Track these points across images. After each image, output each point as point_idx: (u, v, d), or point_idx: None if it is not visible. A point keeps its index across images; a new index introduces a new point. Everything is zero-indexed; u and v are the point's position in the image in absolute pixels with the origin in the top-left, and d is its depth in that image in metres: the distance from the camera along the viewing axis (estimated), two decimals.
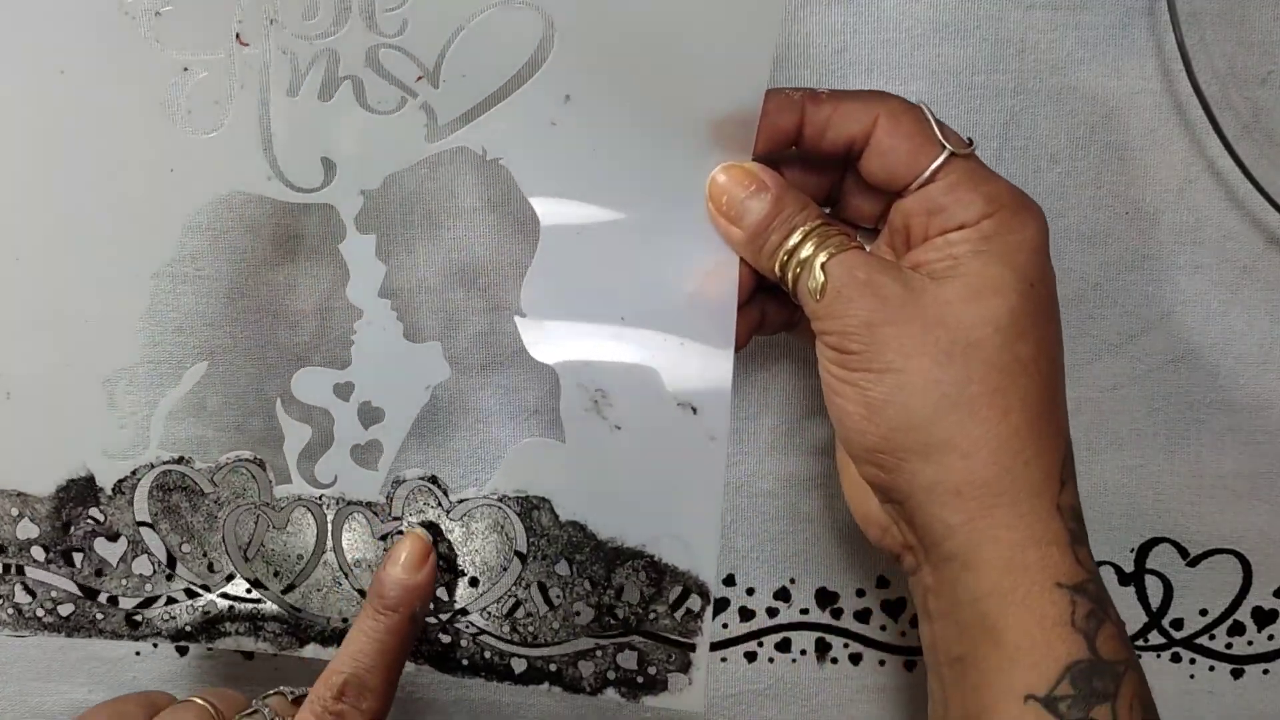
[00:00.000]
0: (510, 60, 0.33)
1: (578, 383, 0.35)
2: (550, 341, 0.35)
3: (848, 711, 0.45)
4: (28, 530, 0.36)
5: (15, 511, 0.36)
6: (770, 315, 0.38)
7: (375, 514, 0.36)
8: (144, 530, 0.36)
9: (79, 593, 0.36)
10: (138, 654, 0.43)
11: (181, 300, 0.35)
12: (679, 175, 0.34)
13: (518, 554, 0.36)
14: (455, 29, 0.33)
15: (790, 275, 0.34)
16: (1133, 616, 0.44)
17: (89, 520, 0.36)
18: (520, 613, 0.36)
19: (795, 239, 0.34)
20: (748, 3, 0.33)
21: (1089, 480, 0.43)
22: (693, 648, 0.36)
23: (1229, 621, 0.45)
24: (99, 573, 0.36)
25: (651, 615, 0.36)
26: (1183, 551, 0.44)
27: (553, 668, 0.36)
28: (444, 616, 0.36)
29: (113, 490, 0.36)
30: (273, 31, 0.33)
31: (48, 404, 0.35)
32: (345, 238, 0.35)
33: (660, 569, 0.35)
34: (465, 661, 0.37)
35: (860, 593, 0.44)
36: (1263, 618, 0.45)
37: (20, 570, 0.36)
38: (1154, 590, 0.44)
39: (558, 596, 0.36)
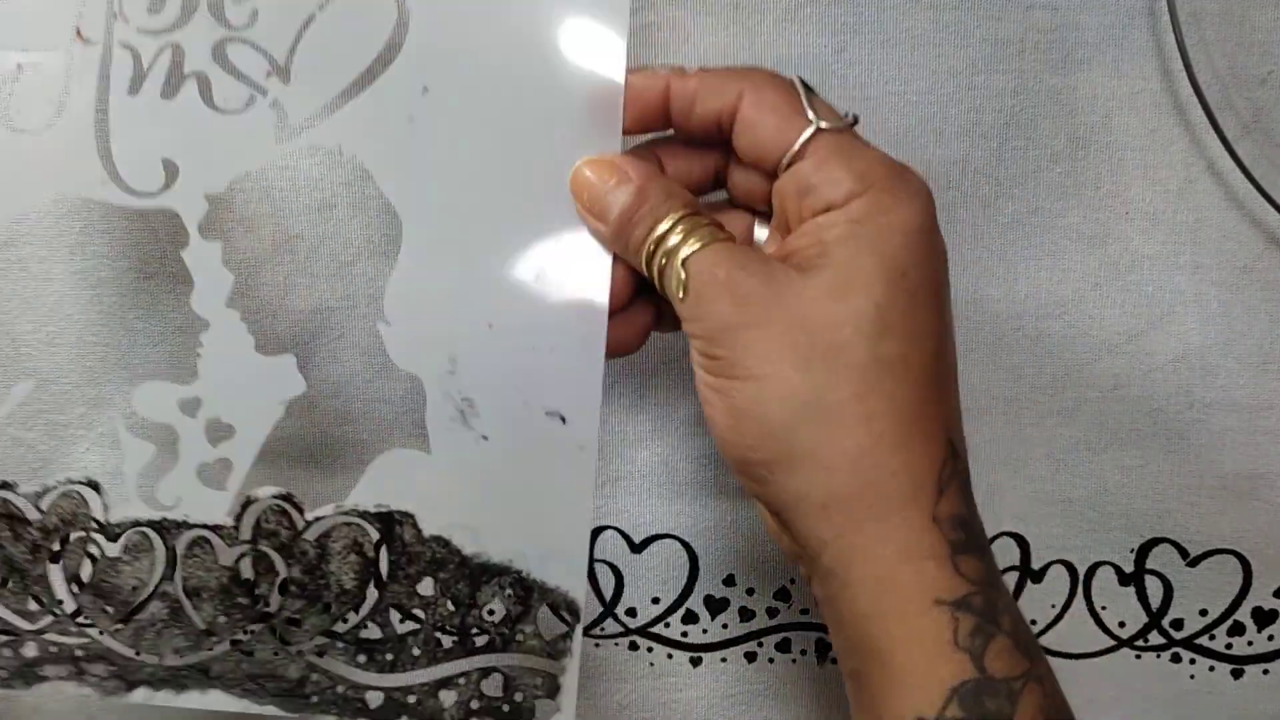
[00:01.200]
0: (364, 51, 0.32)
1: (443, 391, 0.33)
2: (414, 349, 0.33)
3: (848, 712, 0.45)
4: None
5: None
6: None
7: (222, 538, 0.33)
8: None
9: None
10: None
11: (6, 312, 0.33)
12: (546, 169, 0.32)
13: (376, 575, 0.34)
14: (306, 18, 0.32)
15: (657, 271, 0.31)
16: (1133, 617, 0.44)
17: None
18: (378, 637, 0.34)
19: (661, 229, 0.31)
20: None
21: (1089, 480, 0.43)
22: (562, 670, 0.34)
23: (1229, 622, 0.45)
24: None
25: (518, 636, 0.33)
26: (1183, 552, 0.44)
27: (411, 699, 0.34)
28: (293, 648, 0.34)
29: None
30: (116, 26, 0.31)
31: None
32: (188, 244, 0.33)
33: (528, 586, 0.33)
34: (315, 699, 0.34)
35: None
36: (1263, 618, 0.45)
37: None
38: (1154, 590, 0.44)
39: (419, 619, 0.34)
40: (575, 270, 0.33)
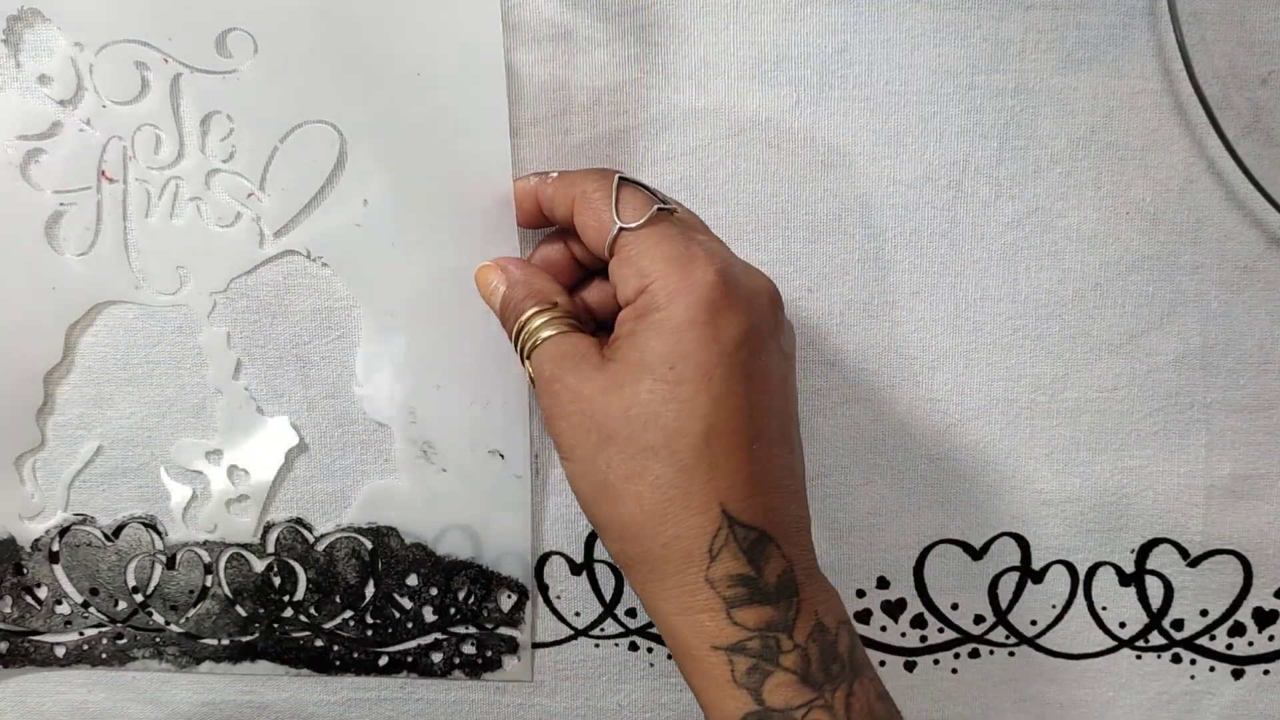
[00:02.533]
0: (318, 172, 0.40)
1: (408, 437, 0.42)
2: (383, 404, 0.42)
3: None
4: None
5: None
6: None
7: (252, 553, 0.43)
8: (61, 578, 0.43)
9: (12, 631, 0.43)
10: None
11: (71, 392, 0.42)
12: (466, 262, 0.40)
13: (373, 574, 0.43)
14: (272, 149, 0.40)
15: (525, 360, 0.37)
16: (1133, 617, 0.44)
17: (15, 573, 0.43)
18: (379, 618, 0.43)
19: (520, 322, 0.37)
20: (479, 108, 0.39)
21: (1089, 480, 0.43)
22: (519, 633, 0.43)
23: (1229, 622, 0.45)
24: (27, 615, 0.43)
25: (485, 612, 0.43)
26: (1183, 552, 0.44)
27: (409, 659, 0.44)
28: (316, 628, 0.43)
29: (31, 548, 0.43)
30: (130, 166, 0.40)
31: None
32: (202, 332, 0.42)
33: (488, 576, 0.43)
34: (338, 662, 0.44)
35: (860, 593, 0.44)
36: (1263, 618, 0.44)
37: None
38: (1154, 591, 0.44)
39: (409, 603, 0.43)
40: (497, 341, 0.40)
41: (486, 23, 0.39)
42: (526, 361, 0.37)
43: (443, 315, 0.41)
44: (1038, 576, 0.44)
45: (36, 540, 0.43)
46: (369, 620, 0.43)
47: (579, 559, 0.44)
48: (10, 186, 0.40)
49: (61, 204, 0.40)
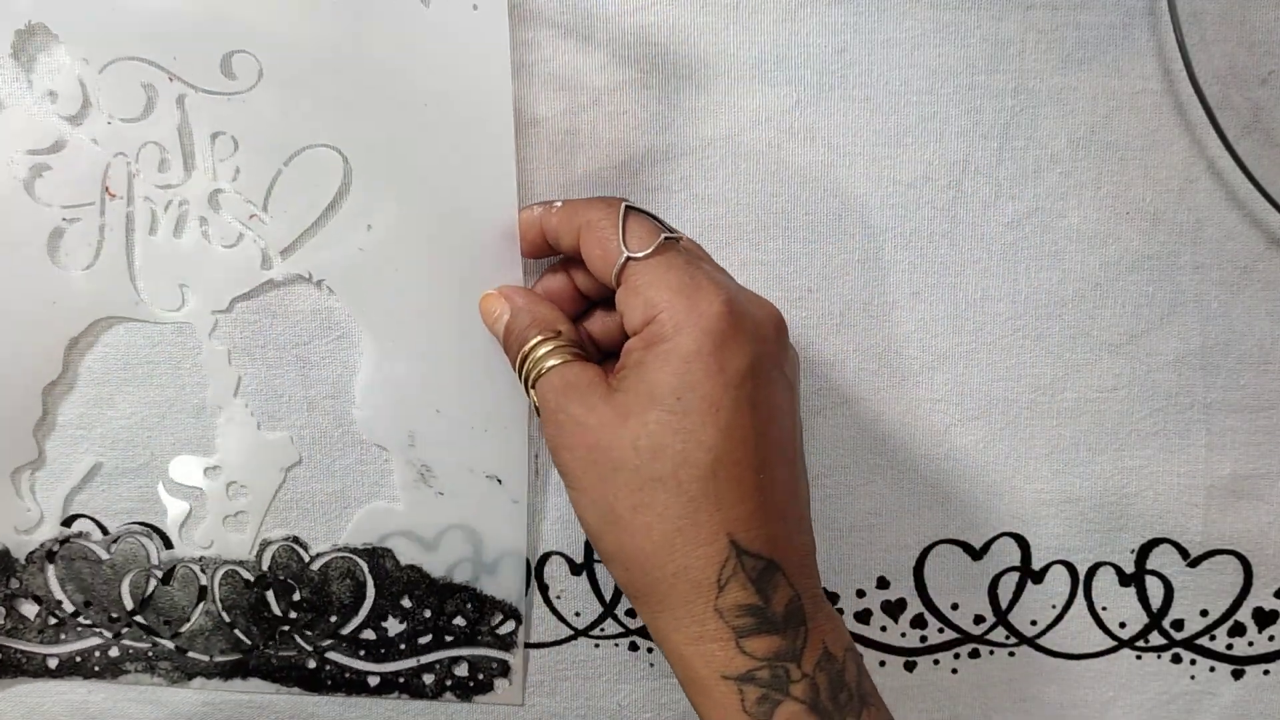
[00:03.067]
0: (321, 195, 0.41)
1: (406, 460, 0.42)
2: (382, 428, 0.42)
3: None
4: None
5: None
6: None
7: (247, 570, 0.43)
8: (55, 591, 0.43)
9: (5, 643, 0.43)
10: None
11: (70, 407, 0.42)
12: (470, 289, 0.40)
13: (368, 593, 0.43)
14: (276, 172, 0.40)
15: (529, 388, 0.37)
16: (1133, 617, 0.44)
17: (8, 585, 0.43)
18: (372, 637, 0.43)
19: (525, 350, 0.37)
20: (485, 139, 0.40)
21: (1090, 480, 0.44)
22: (511, 657, 0.43)
23: (1230, 622, 0.45)
24: (20, 626, 0.43)
25: (478, 635, 0.43)
26: (1183, 552, 0.44)
27: (401, 679, 0.43)
28: (309, 647, 0.43)
29: (25, 560, 0.43)
30: (135, 183, 0.40)
31: None
32: (202, 350, 0.42)
33: (482, 599, 0.43)
34: (329, 681, 0.44)
35: (860, 593, 0.44)
36: (1263, 618, 0.44)
37: None
38: (1154, 591, 0.44)
39: (403, 623, 0.43)
40: (498, 368, 0.41)
41: (495, 57, 0.39)
42: (531, 390, 0.37)
43: (444, 341, 0.41)
44: (1038, 576, 0.44)
45: (31, 553, 0.43)
46: (362, 639, 0.43)
47: (579, 559, 0.44)
48: (15, 201, 0.40)
49: (65, 219, 0.40)
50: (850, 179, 0.42)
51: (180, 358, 0.42)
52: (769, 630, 0.33)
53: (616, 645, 0.44)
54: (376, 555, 0.43)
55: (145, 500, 0.42)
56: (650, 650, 0.44)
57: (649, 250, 0.35)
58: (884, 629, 0.44)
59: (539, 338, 0.37)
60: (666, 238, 0.35)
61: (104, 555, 0.43)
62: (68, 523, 0.42)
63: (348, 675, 0.43)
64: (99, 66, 0.39)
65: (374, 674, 0.43)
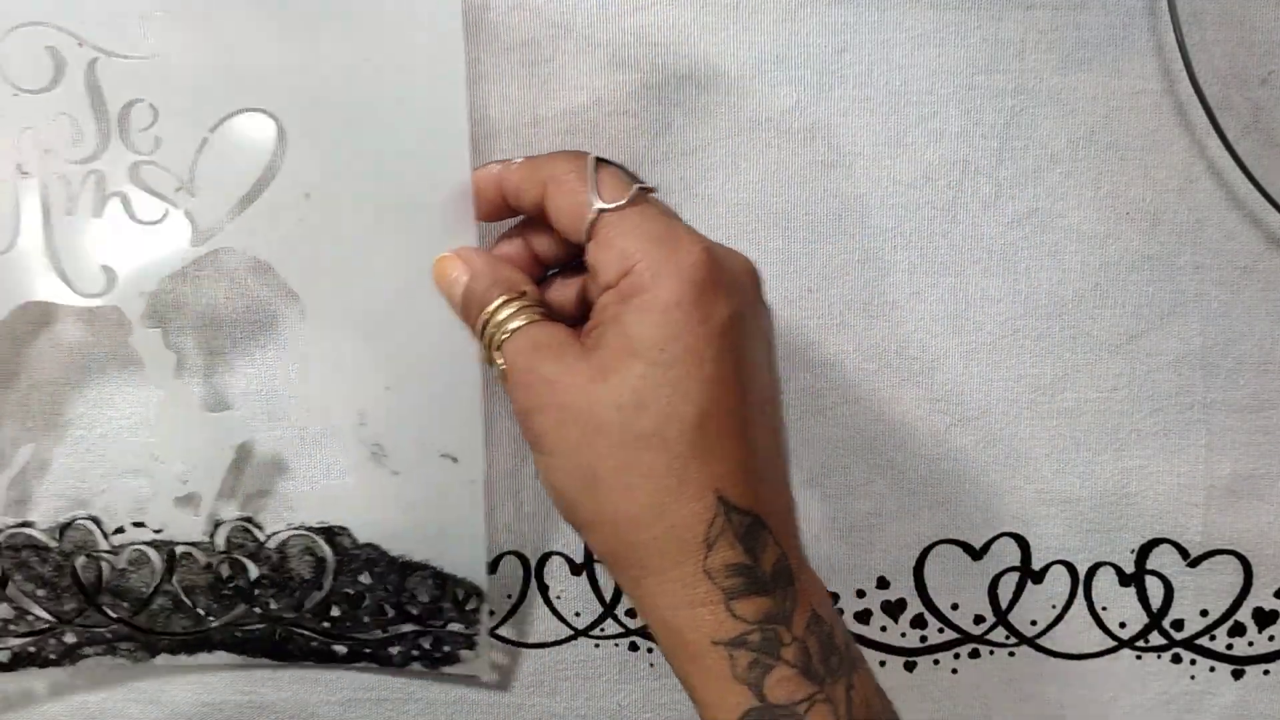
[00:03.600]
0: (253, 163, 0.38)
1: (358, 439, 0.40)
2: (331, 406, 0.41)
3: None
4: None
5: None
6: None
7: (201, 550, 0.41)
8: (2, 582, 0.41)
9: None
10: None
11: (2, 395, 0.41)
12: (419, 257, 0.38)
13: (329, 568, 0.42)
14: (201, 140, 0.38)
15: (493, 350, 0.36)
16: (1133, 617, 0.44)
17: None
18: (336, 612, 0.42)
19: (487, 312, 0.35)
20: (435, 95, 0.37)
21: (1089, 481, 0.43)
22: (475, 631, 0.43)
23: (1230, 622, 0.45)
24: None
25: (440, 609, 0.42)
26: (1183, 552, 0.44)
27: (368, 650, 0.43)
28: (272, 620, 0.42)
29: None
30: (47, 160, 0.38)
31: None
32: (133, 333, 0.40)
33: (443, 577, 0.42)
34: (296, 652, 0.43)
35: (860, 593, 0.44)
36: (1263, 618, 0.44)
37: None
38: (1154, 591, 0.44)
39: (365, 599, 0.42)
40: (452, 341, 0.38)
41: (445, 2, 0.37)
42: (496, 354, 0.35)
43: (391, 313, 0.39)
44: (1038, 576, 0.44)
45: None
46: (327, 614, 0.42)
47: (579, 559, 0.44)
48: None
49: None
50: (850, 179, 0.42)
51: (113, 342, 0.40)
52: (758, 591, 0.32)
53: (617, 645, 0.44)
54: (333, 533, 0.41)
55: (95, 487, 0.41)
56: (650, 650, 0.44)
57: (623, 201, 0.34)
58: (884, 629, 0.44)
59: (502, 299, 0.36)
60: (639, 188, 0.34)
61: (51, 543, 0.41)
62: (14, 514, 0.41)
63: (314, 644, 0.42)
64: (0, 33, 0.36)
65: (340, 643, 0.42)
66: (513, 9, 0.41)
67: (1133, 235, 0.43)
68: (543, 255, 0.38)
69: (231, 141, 0.38)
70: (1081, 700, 0.45)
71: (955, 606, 0.44)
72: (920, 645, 0.44)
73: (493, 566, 0.43)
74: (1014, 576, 0.44)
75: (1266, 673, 0.45)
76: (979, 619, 0.44)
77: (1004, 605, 0.44)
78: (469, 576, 0.42)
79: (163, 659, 0.42)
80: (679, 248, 0.33)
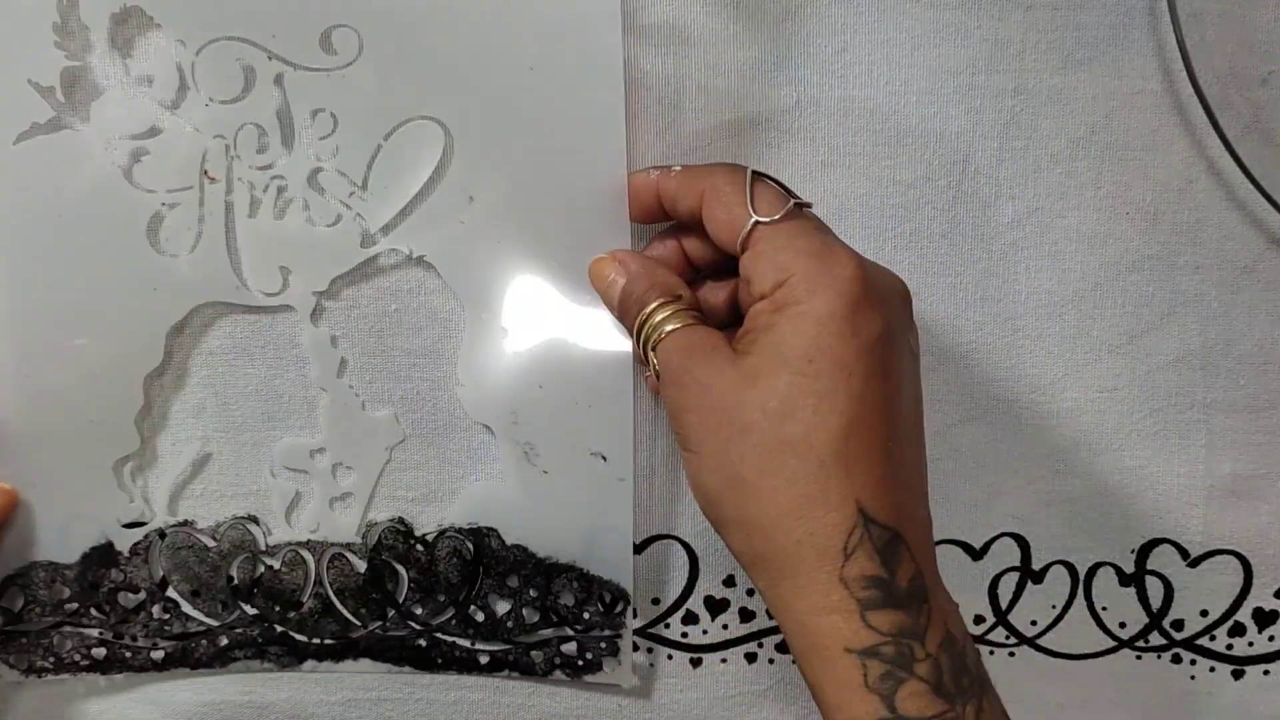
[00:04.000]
0: (422, 169, 0.40)
1: (510, 438, 0.42)
2: (486, 406, 0.42)
3: None
4: (60, 592, 0.42)
5: (49, 578, 0.42)
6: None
7: (354, 553, 0.42)
8: (160, 582, 0.42)
9: (110, 638, 0.42)
10: None
11: (172, 394, 0.42)
12: (575, 257, 0.40)
13: (475, 572, 0.42)
14: (375, 148, 0.40)
15: (650, 351, 0.37)
16: (1133, 617, 0.44)
17: (111, 579, 0.42)
18: (481, 617, 0.43)
19: (643, 315, 0.37)
20: (596, 104, 0.39)
21: (1090, 480, 0.43)
22: (620, 636, 0.43)
23: (1230, 622, 0.45)
24: (124, 620, 0.42)
25: (585, 614, 0.43)
26: (1183, 552, 0.44)
27: (510, 658, 0.43)
28: (418, 627, 0.43)
29: (130, 553, 0.42)
30: (233, 165, 0.40)
31: (67, 488, 0.42)
32: (305, 332, 0.41)
33: (589, 579, 0.42)
34: (440, 660, 0.43)
35: None
36: (1263, 618, 0.45)
37: (58, 625, 0.42)
38: (1154, 591, 0.44)
39: (510, 602, 0.43)
40: (604, 341, 0.41)
41: (606, 15, 0.39)
42: (651, 354, 0.36)
43: (547, 314, 0.41)
44: (1038, 576, 0.44)
45: (135, 544, 0.42)
46: (471, 619, 0.43)
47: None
48: (114, 186, 0.40)
49: (165, 204, 0.40)
50: (850, 179, 0.42)
51: (283, 341, 0.41)
52: (893, 605, 0.32)
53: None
54: (482, 534, 0.42)
55: (252, 485, 0.42)
56: (650, 650, 0.44)
57: (778, 215, 0.35)
58: None
59: (659, 301, 0.37)
60: (795, 203, 0.35)
61: (210, 543, 0.42)
62: (174, 512, 0.42)
63: (458, 654, 0.43)
64: (196, 48, 0.39)
65: (484, 653, 0.43)
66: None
67: (1133, 235, 0.43)
68: (695, 259, 0.39)
69: (403, 148, 0.40)
70: (1081, 700, 0.45)
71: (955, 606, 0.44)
72: None
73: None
74: (1014, 576, 0.44)
75: (1266, 673, 0.45)
76: (979, 619, 0.44)
77: (1004, 605, 0.44)
78: (614, 579, 0.42)
79: (309, 665, 0.43)
80: (834, 262, 0.34)
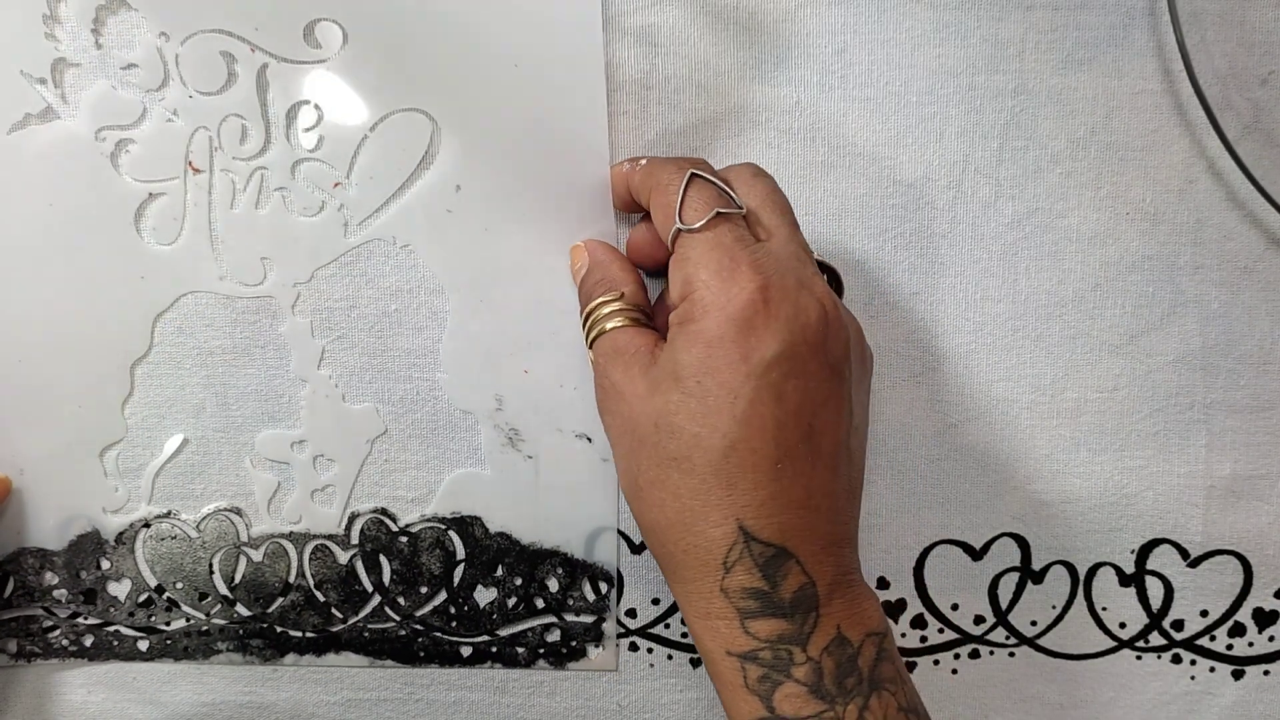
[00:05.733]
0: (408, 159, 0.40)
1: (494, 424, 0.42)
2: (468, 392, 0.42)
3: None
4: (49, 578, 0.43)
5: (37, 564, 0.43)
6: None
7: (336, 544, 0.43)
8: (145, 571, 0.43)
9: (96, 625, 0.43)
10: None
11: (157, 383, 0.42)
12: (560, 246, 0.41)
13: (458, 562, 0.43)
14: (361, 138, 0.40)
15: (589, 346, 0.38)
16: (1133, 617, 0.44)
17: (99, 566, 0.43)
18: (465, 608, 0.43)
19: (590, 307, 0.38)
20: (578, 93, 0.40)
21: (1090, 481, 0.43)
22: (604, 621, 0.43)
23: (1230, 623, 0.45)
24: (111, 608, 0.43)
25: (569, 600, 0.43)
26: (1183, 552, 0.44)
27: (494, 649, 0.43)
28: (400, 619, 0.43)
29: (115, 541, 0.43)
30: (216, 156, 0.40)
31: (56, 475, 0.42)
32: (285, 322, 0.42)
33: (573, 564, 0.43)
34: (422, 653, 0.43)
35: None
36: (1263, 619, 0.44)
37: (47, 611, 0.43)
38: (1154, 591, 0.44)
39: (494, 592, 0.43)
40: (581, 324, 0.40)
41: (587, 11, 0.39)
42: (589, 350, 0.38)
43: (532, 298, 0.41)
44: (1038, 577, 0.44)
45: (120, 533, 0.42)
46: (453, 611, 0.43)
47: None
48: (102, 175, 0.40)
49: (151, 194, 0.40)
50: (850, 179, 0.42)
51: (263, 331, 0.42)
52: (773, 614, 0.33)
53: (617, 645, 0.44)
54: (466, 524, 0.42)
55: (232, 476, 0.42)
56: (650, 650, 0.44)
57: (699, 224, 0.35)
58: None
59: (602, 297, 0.38)
60: (719, 212, 0.35)
61: (193, 534, 0.42)
62: (157, 502, 0.42)
63: (442, 647, 0.43)
64: (180, 39, 0.39)
65: (466, 644, 0.43)
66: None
67: (1133, 235, 0.43)
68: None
69: (389, 138, 0.40)
70: (1081, 700, 0.45)
71: (955, 607, 0.44)
72: (920, 646, 0.44)
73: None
74: (1014, 577, 0.44)
75: (1266, 673, 0.45)
76: (979, 619, 0.44)
77: (1004, 605, 0.44)
78: (599, 562, 0.43)
79: (291, 659, 0.43)
80: (734, 283, 0.33)
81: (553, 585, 0.43)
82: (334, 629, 0.43)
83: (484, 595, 0.43)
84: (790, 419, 0.33)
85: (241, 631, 0.43)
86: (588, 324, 0.38)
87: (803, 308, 0.34)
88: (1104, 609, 0.44)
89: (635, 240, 0.39)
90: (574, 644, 0.43)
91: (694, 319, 0.34)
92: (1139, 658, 0.45)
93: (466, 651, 0.43)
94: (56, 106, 0.40)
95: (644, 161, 0.39)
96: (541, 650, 0.43)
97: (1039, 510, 0.44)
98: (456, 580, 0.43)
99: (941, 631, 0.44)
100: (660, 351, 0.35)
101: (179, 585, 0.43)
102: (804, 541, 0.34)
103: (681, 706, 0.44)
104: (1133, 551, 0.44)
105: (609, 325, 0.37)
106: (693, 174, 0.35)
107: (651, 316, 0.38)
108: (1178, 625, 0.45)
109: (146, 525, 0.42)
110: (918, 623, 0.44)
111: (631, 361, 0.36)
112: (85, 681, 0.44)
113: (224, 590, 0.43)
